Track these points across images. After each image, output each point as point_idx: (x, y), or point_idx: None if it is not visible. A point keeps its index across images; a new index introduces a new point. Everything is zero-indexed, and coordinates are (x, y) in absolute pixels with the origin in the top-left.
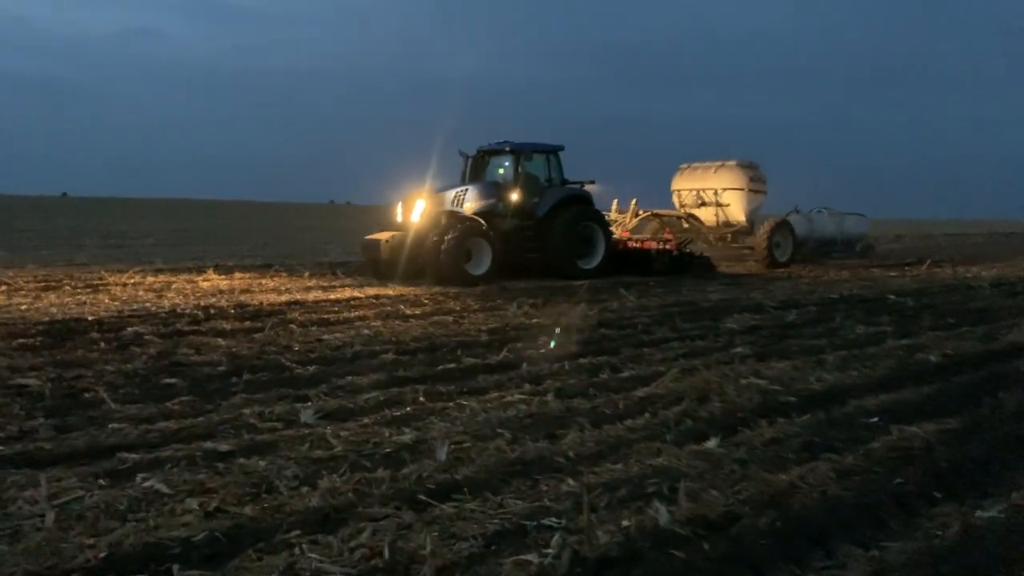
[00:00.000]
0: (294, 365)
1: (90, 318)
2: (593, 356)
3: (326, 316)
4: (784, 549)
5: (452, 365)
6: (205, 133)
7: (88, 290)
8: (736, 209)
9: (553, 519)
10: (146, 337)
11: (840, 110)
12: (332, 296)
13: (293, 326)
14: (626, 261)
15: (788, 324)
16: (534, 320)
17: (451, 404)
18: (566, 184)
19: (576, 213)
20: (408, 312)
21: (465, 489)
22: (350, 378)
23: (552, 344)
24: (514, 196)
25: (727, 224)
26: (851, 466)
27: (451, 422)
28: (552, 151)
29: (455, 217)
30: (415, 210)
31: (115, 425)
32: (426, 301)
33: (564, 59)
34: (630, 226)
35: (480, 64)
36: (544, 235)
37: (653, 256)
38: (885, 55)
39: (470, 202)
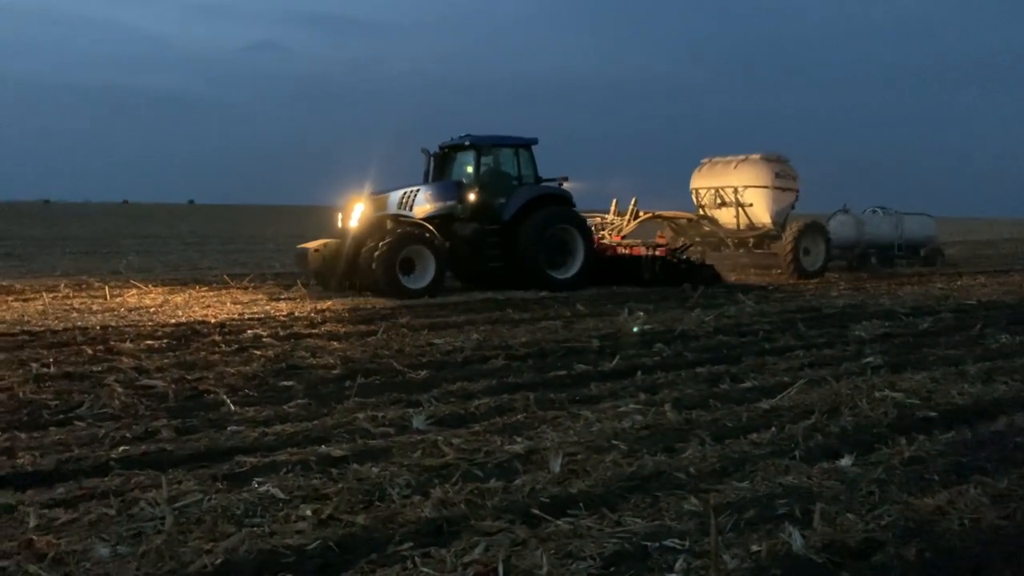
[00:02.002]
0: (406, 369)
1: (212, 321)
2: (712, 365)
3: (436, 320)
4: None
5: (563, 372)
6: (324, 142)
7: (211, 293)
8: (760, 210)
9: (676, 540)
10: (264, 340)
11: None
12: (437, 299)
13: (404, 330)
14: (617, 269)
15: (923, 332)
16: (646, 326)
17: (563, 413)
18: (541, 183)
19: (548, 215)
20: (516, 316)
21: (580, 504)
22: (461, 383)
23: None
24: (473, 196)
25: (751, 227)
26: (1006, 491)
27: (563, 432)
28: (523, 145)
29: (395, 222)
30: (353, 215)
31: (234, 427)
32: (534, 306)
33: (674, 56)
34: (628, 229)
35: (592, 64)
36: (510, 240)
37: (642, 263)
38: (987, 47)
39: (422, 204)
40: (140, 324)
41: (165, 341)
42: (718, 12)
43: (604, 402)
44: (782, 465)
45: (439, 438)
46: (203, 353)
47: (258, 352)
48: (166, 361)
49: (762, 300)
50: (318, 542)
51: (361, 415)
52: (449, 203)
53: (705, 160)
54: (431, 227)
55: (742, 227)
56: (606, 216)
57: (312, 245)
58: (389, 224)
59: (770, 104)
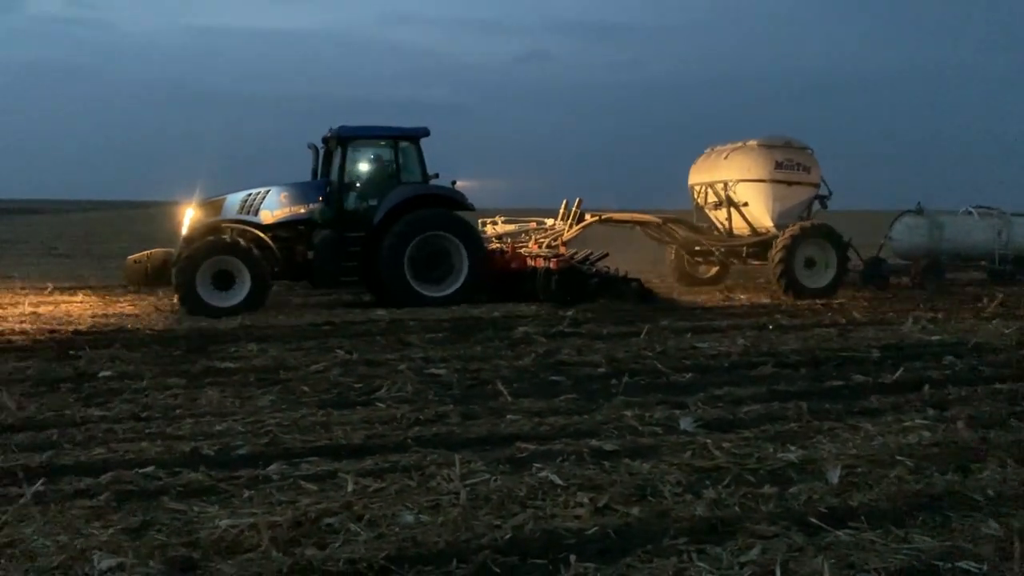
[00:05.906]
0: (670, 371)
1: (485, 317)
2: (1013, 382)
3: (699, 323)
4: None
5: (839, 383)
6: (582, 147)
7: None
8: (759, 210)
9: (971, 563)
10: (533, 336)
11: None
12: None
13: (667, 332)
14: (517, 284)
15: None
16: (934, 337)
17: (840, 424)
18: (428, 182)
19: (420, 219)
20: (785, 323)
21: (862, 517)
22: (728, 388)
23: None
24: (333, 198)
25: (754, 232)
26: None
27: (841, 444)
28: (405, 137)
29: (210, 229)
30: (185, 221)
31: (511, 416)
32: (806, 311)
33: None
34: (568, 235)
35: (857, 56)
36: (376, 249)
37: (536, 277)
38: None
39: (274, 208)
40: (424, 319)
41: (444, 335)
42: None
43: (886, 415)
44: None
45: (708, 441)
46: (479, 347)
47: (528, 348)
48: (447, 353)
49: None
50: (596, 528)
51: (628, 413)
52: (311, 206)
53: (708, 149)
54: (264, 235)
55: (737, 231)
56: (544, 221)
57: (134, 256)
58: (229, 232)
59: None
